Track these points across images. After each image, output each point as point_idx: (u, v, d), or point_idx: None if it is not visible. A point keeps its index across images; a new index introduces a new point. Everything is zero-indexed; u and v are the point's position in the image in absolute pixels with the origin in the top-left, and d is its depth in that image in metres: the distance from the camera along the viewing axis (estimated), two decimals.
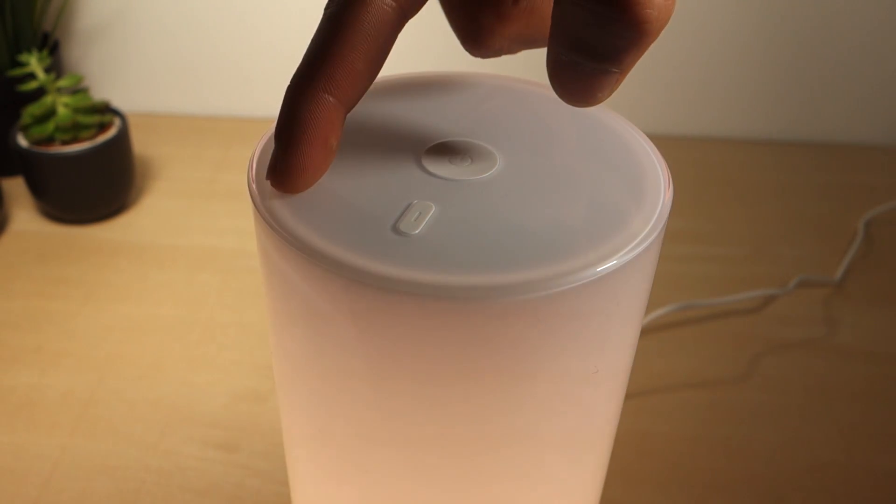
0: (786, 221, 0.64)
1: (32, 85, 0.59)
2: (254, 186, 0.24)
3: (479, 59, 0.28)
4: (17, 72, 0.60)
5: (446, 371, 0.22)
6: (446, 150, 0.26)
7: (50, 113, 0.58)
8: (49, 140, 0.59)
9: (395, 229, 0.22)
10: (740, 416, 0.47)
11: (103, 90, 0.77)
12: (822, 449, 0.45)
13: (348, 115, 0.23)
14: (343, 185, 0.24)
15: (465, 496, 0.26)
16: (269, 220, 0.23)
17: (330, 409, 0.25)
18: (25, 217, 0.62)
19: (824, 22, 0.69)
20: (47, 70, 0.62)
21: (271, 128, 0.25)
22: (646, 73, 0.72)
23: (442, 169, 0.25)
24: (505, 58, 0.29)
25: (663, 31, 0.19)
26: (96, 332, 0.52)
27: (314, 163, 0.22)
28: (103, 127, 0.61)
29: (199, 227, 0.62)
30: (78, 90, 0.60)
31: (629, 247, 0.22)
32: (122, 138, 0.61)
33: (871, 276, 0.58)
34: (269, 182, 0.23)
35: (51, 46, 0.68)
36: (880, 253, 0.60)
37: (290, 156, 0.22)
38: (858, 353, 0.51)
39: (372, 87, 0.24)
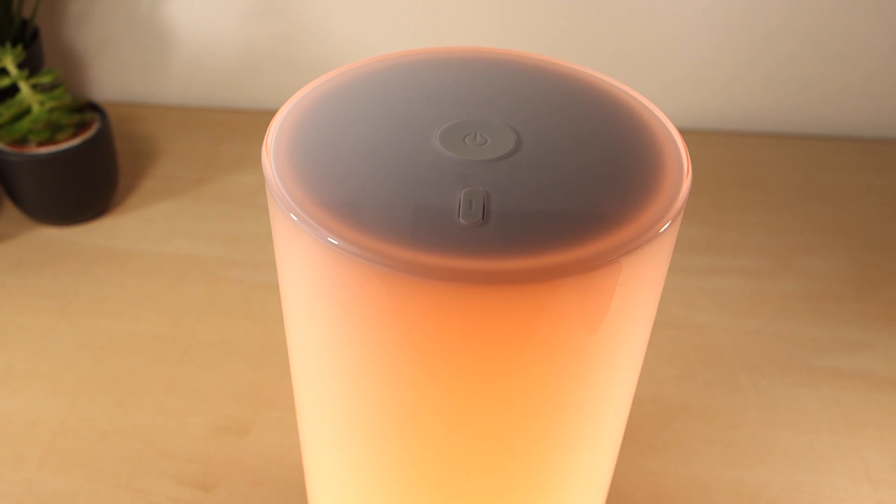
0: (816, 229, 0.59)
1: (5, 81, 0.55)
2: (272, 172, 0.24)
3: (486, 42, 0.29)
4: None
5: (472, 355, 0.22)
6: (463, 129, 0.25)
7: (24, 111, 0.54)
8: (23, 141, 0.55)
9: (455, 221, 0.22)
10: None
11: (86, 78, 0.73)
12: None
13: (363, 94, 0.26)
14: (360, 167, 0.24)
15: (478, 479, 0.26)
16: (289, 205, 0.22)
17: (357, 400, 0.25)
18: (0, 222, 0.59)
19: (869, 8, 0.64)
20: (26, 61, 0.58)
21: (283, 113, 0.26)
22: (664, 59, 0.67)
23: (459, 149, 0.24)
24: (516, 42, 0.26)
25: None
26: (70, 351, 0.49)
27: None
28: (83, 126, 0.57)
29: (185, 230, 0.58)
30: (55, 86, 0.56)
31: (647, 231, 0.22)
32: (103, 138, 0.57)
33: None
34: None
35: (30, 34, 0.64)
36: None
37: None
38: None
39: (387, 63, 0.27)
